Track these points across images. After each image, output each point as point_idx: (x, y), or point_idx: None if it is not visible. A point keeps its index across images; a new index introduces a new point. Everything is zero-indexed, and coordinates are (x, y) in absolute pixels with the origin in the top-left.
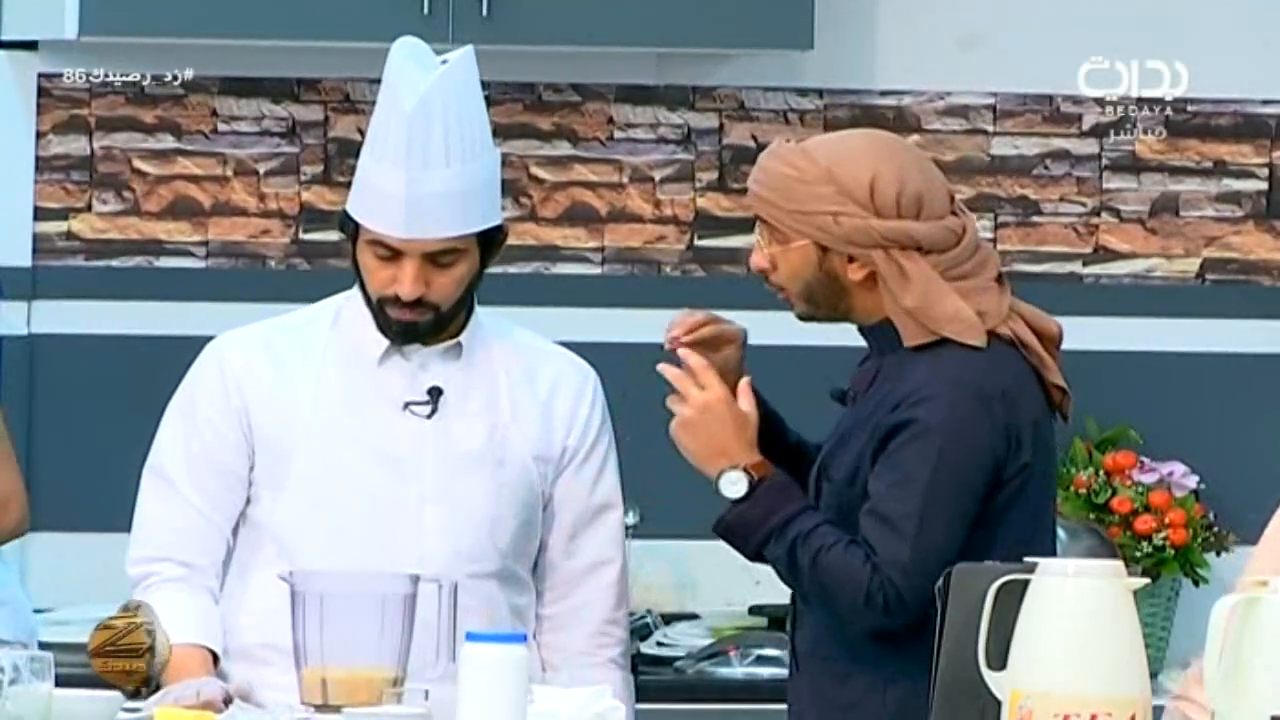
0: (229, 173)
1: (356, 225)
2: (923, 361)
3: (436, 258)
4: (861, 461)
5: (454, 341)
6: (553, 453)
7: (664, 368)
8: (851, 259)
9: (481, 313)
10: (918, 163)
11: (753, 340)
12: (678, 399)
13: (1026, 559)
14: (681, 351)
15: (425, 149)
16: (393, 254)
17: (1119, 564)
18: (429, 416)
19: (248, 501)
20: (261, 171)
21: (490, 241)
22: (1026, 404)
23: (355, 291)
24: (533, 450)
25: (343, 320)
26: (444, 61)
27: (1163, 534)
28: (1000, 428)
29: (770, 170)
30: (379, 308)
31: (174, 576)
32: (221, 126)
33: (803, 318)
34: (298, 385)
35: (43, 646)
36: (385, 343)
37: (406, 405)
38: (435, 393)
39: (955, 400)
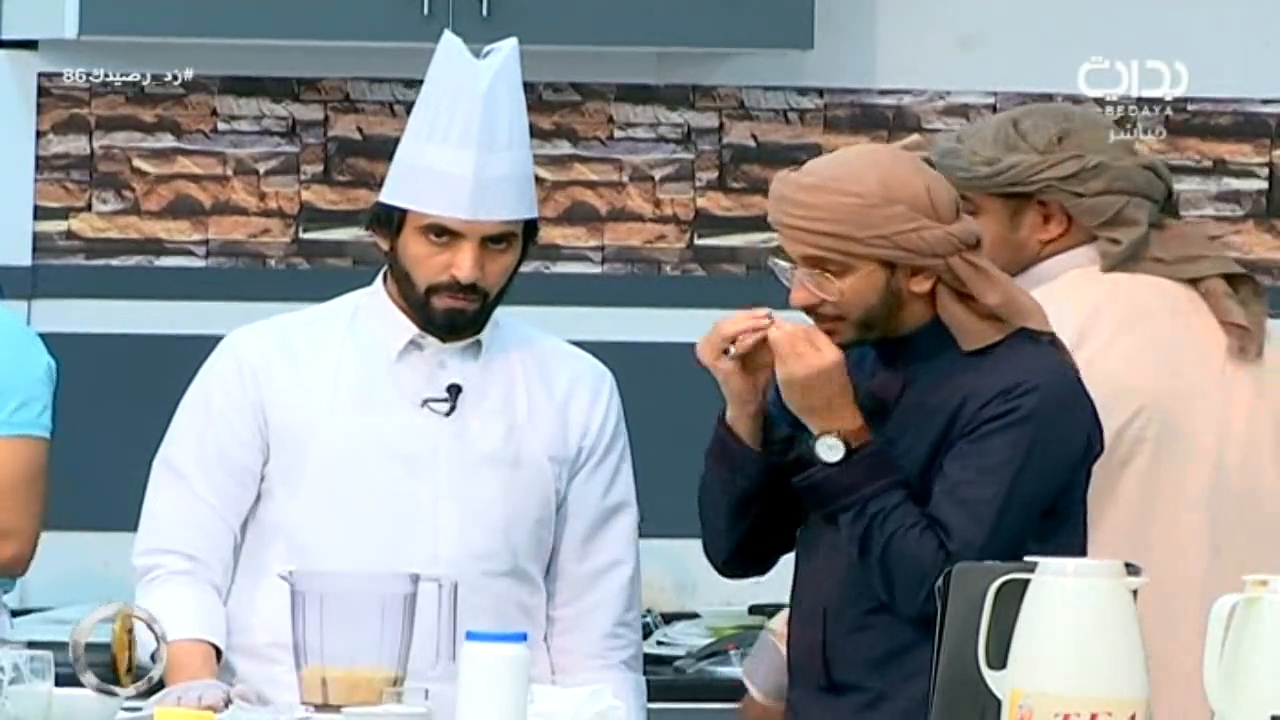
0: (229, 172)
1: (400, 215)
2: (997, 357)
3: (492, 242)
4: (911, 465)
5: (473, 339)
6: (568, 454)
7: (779, 325)
8: (914, 272)
9: (498, 313)
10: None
11: None
12: (791, 355)
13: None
14: (786, 318)
15: (493, 131)
16: (449, 239)
17: (1119, 564)
18: (447, 414)
19: (258, 499)
20: (261, 171)
21: (528, 233)
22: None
23: (374, 288)
24: (548, 451)
25: (361, 317)
26: (486, 53)
27: None
28: (1094, 416)
29: (825, 205)
30: (424, 298)
31: (179, 570)
32: (221, 126)
33: (848, 346)
34: (314, 381)
35: (43, 646)
36: (404, 340)
37: (425, 402)
38: (454, 390)
39: (1056, 390)
